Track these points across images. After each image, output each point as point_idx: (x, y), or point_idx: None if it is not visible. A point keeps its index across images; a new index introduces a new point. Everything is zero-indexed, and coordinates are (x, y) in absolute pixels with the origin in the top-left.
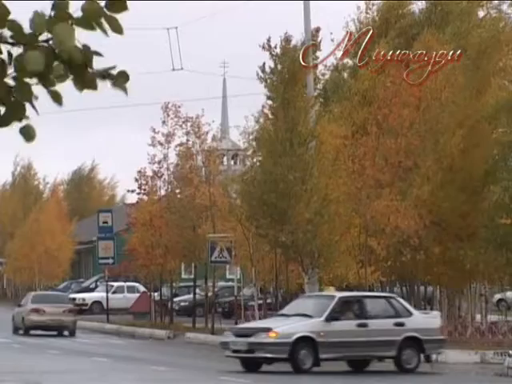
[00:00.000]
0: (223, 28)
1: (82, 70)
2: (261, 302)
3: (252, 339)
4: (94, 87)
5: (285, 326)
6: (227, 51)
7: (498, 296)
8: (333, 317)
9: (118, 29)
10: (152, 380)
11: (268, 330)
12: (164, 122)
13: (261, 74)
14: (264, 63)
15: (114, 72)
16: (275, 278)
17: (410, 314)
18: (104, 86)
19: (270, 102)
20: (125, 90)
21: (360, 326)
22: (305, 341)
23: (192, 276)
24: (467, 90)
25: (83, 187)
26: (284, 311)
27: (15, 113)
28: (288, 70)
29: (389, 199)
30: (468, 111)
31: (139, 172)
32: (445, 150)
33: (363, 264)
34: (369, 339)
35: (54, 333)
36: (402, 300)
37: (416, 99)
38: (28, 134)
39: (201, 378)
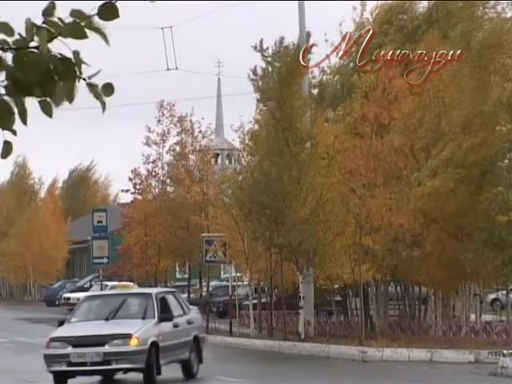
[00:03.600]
0: (218, 27)
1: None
2: (255, 301)
3: (107, 348)
4: (71, 99)
5: (140, 331)
6: (222, 51)
7: (492, 296)
8: (162, 317)
9: (105, 39)
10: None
11: (126, 336)
12: (159, 121)
13: (252, 76)
14: (255, 66)
15: (99, 82)
16: (270, 277)
17: (190, 310)
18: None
19: (264, 103)
20: (104, 104)
21: (175, 326)
22: (154, 346)
23: (186, 275)
24: (471, 89)
25: (79, 187)
26: (82, 312)
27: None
28: (285, 69)
29: (383, 198)
30: (470, 110)
31: (133, 171)
32: (446, 149)
33: (357, 262)
34: (180, 340)
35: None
36: (181, 295)
37: (413, 98)
38: (5, 150)
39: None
